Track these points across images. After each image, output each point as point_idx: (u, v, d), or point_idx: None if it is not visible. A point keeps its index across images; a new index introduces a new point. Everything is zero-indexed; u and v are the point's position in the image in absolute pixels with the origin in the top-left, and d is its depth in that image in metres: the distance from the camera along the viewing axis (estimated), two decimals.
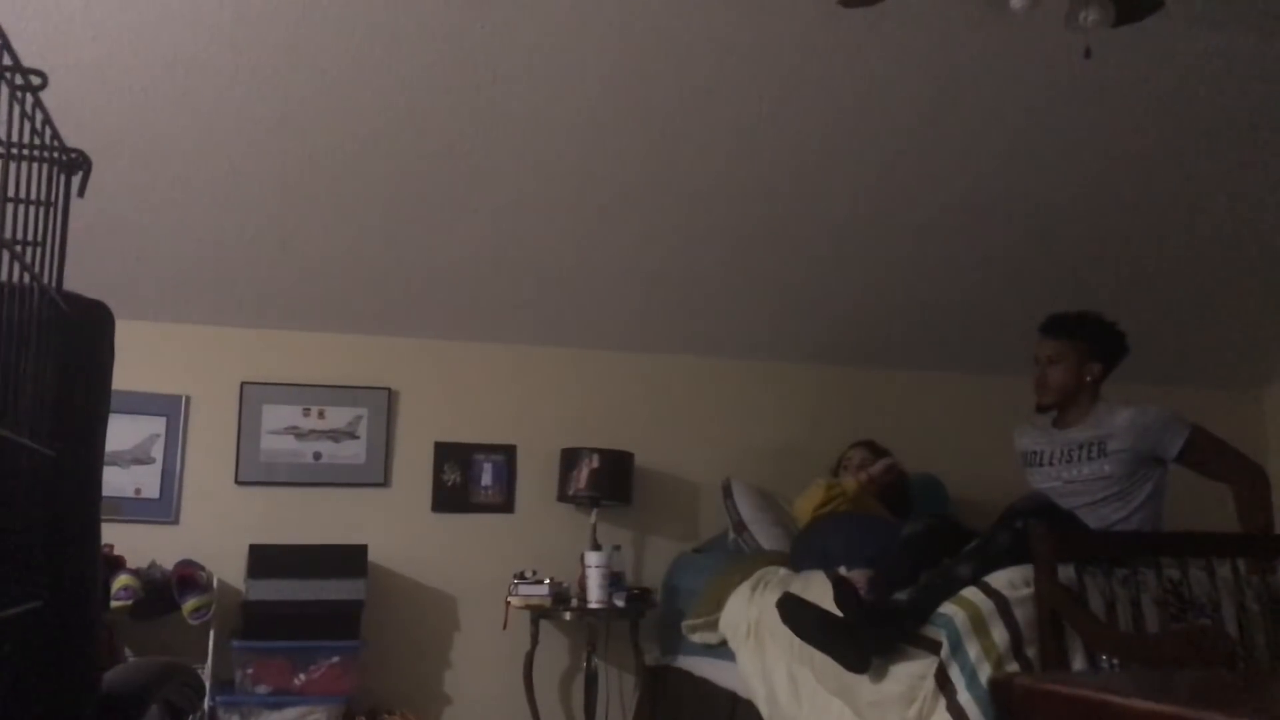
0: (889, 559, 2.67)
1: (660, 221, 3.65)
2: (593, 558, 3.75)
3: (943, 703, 2.20)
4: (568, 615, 3.78)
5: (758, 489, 4.01)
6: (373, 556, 3.78)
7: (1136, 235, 3.92)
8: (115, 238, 3.44)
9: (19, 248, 1.02)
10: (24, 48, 0.98)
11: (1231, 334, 4.60)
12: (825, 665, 2.50)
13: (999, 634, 2.20)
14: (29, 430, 1.04)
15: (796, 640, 2.59)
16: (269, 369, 3.98)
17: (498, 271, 3.84)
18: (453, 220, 3.55)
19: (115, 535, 3.38)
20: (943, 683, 2.22)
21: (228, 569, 3.63)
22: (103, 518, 1.24)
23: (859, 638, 2.36)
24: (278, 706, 3.46)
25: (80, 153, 1.15)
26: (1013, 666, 2.19)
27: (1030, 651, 2.19)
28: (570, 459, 4.00)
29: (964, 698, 2.16)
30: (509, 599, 3.80)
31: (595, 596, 3.70)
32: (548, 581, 3.77)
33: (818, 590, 2.66)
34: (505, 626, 3.89)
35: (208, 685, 3.38)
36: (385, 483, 4.03)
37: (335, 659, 3.53)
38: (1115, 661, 2.07)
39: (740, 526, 3.87)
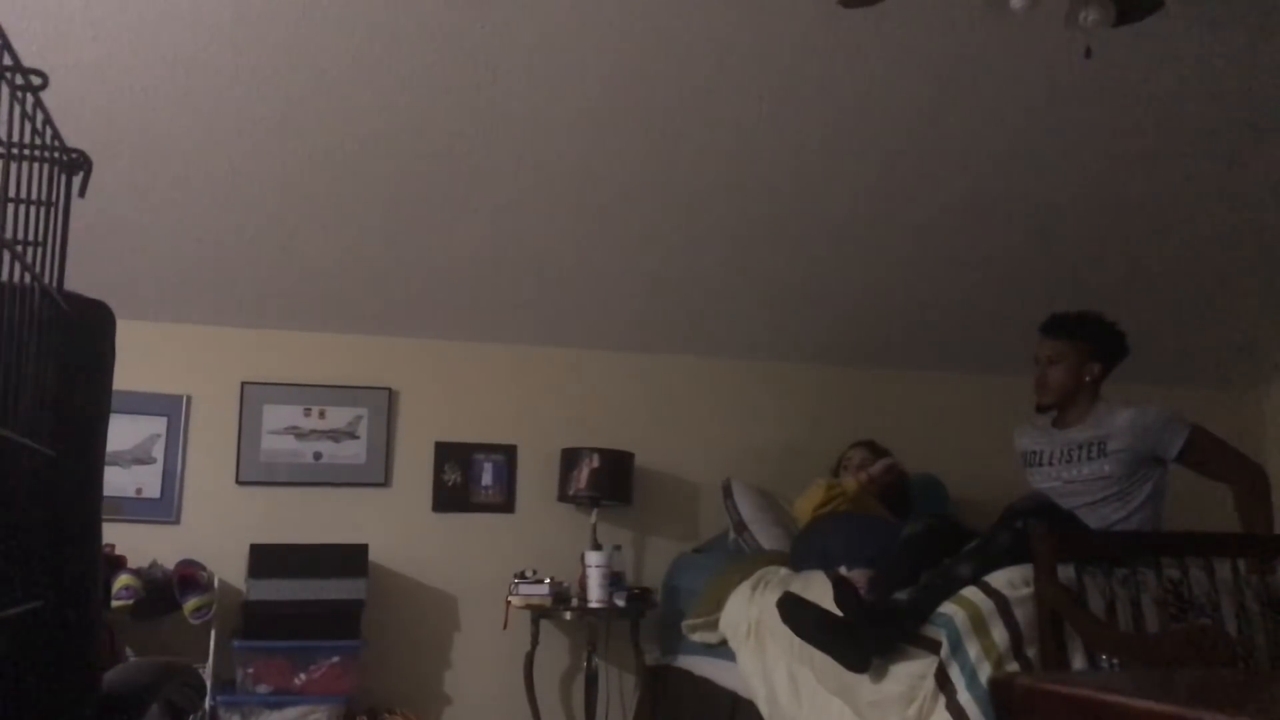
0: (889, 559, 2.67)
1: (660, 221, 3.65)
2: (593, 557, 3.75)
3: (943, 702, 2.20)
4: (568, 615, 3.78)
5: (758, 489, 4.01)
6: (373, 556, 3.79)
7: (1136, 235, 3.92)
8: (115, 238, 3.44)
9: (20, 248, 1.02)
10: (24, 48, 0.98)
11: (1231, 334, 4.60)
12: (825, 665, 2.50)
13: (999, 634, 2.20)
14: (30, 430, 1.04)
15: (796, 640, 2.60)
16: (269, 369, 3.98)
17: (498, 271, 3.84)
18: (453, 220, 3.55)
19: (116, 535, 3.39)
20: (943, 682, 2.22)
21: (228, 569, 3.64)
22: (103, 517, 1.24)
23: (859, 637, 2.36)
24: (278, 706, 3.46)
25: (81, 153, 1.15)
26: (1013, 666, 2.19)
27: (1030, 651, 2.19)
28: (570, 459, 4.00)
29: (964, 697, 2.16)
30: (509, 599, 3.80)
31: (595, 596, 3.70)
32: (548, 581, 3.77)
33: (818, 590, 2.66)
34: (505, 626, 3.89)
35: (209, 685, 3.38)
36: (386, 483, 4.03)
37: (336, 659, 3.54)
38: (1115, 661, 2.07)
39: (740, 526, 3.87)
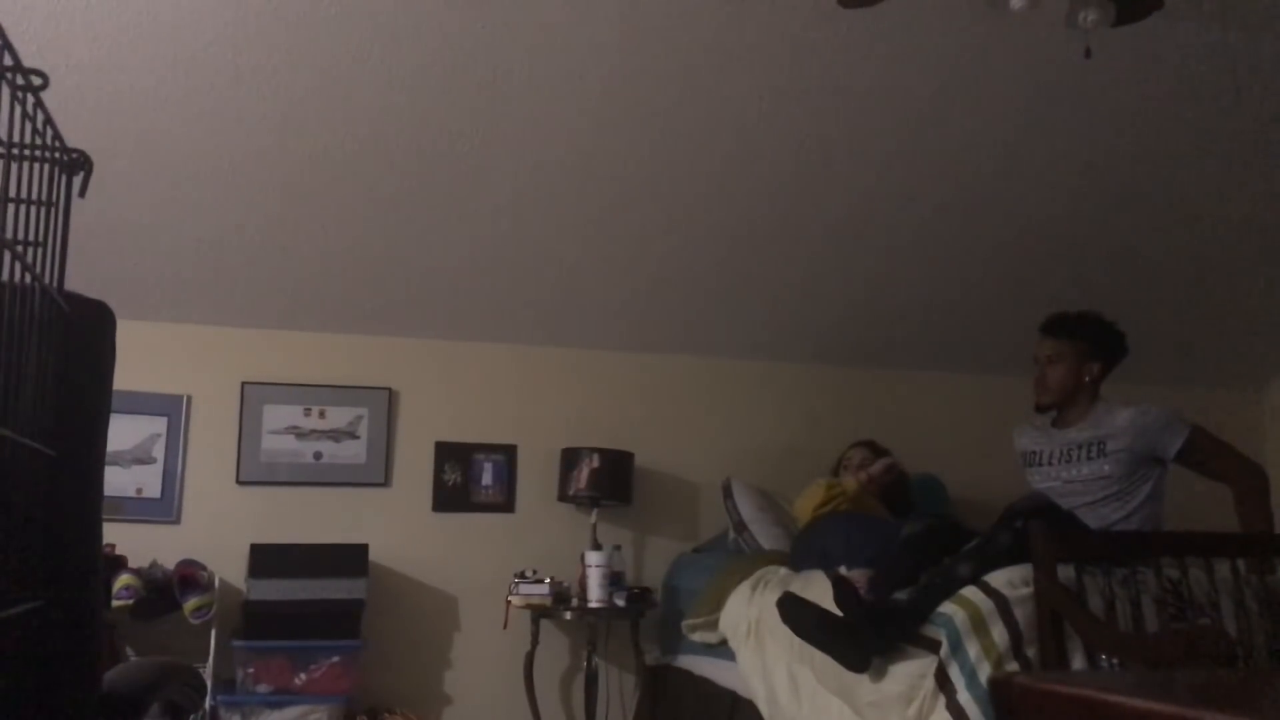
0: (889, 559, 2.67)
1: (660, 221, 3.65)
2: (593, 557, 3.75)
3: (942, 702, 2.20)
4: (568, 615, 3.78)
5: (758, 489, 4.01)
6: (373, 556, 3.79)
7: (1136, 235, 3.92)
8: (115, 238, 3.44)
9: (20, 248, 1.02)
10: (24, 48, 0.98)
11: (1231, 334, 4.60)
12: (825, 665, 2.50)
13: (999, 633, 2.20)
14: (30, 430, 1.04)
15: (796, 640, 2.60)
16: (269, 369, 3.98)
17: (497, 271, 3.84)
18: (453, 220, 3.56)
19: (116, 535, 3.39)
20: (942, 682, 2.22)
21: (229, 568, 3.64)
22: (104, 517, 1.24)
23: (859, 637, 2.36)
24: (278, 706, 3.46)
25: (81, 153, 1.15)
26: (1012, 666, 2.19)
27: (1030, 651, 2.20)
28: (570, 459, 4.00)
29: (964, 697, 2.16)
30: (509, 598, 3.80)
31: (595, 596, 3.70)
32: (548, 581, 3.77)
33: (818, 590, 2.66)
34: (505, 626, 3.89)
35: (209, 685, 3.38)
36: (386, 482, 4.03)
37: (336, 658, 3.54)
38: (1115, 661, 2.07)
39: (740, 526, 3.87)
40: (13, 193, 1.00)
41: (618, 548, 3.99)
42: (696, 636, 3.52)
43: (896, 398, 4.59)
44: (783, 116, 3.21)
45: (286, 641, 3.50)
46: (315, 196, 3.39)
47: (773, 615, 2.69)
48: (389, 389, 4.08)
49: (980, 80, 3.12)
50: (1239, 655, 2.18)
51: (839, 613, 2.42)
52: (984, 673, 2.15)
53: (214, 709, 3.43)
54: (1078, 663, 2.17)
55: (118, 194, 3.25)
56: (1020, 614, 2.21)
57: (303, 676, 3.50)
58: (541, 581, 3.77)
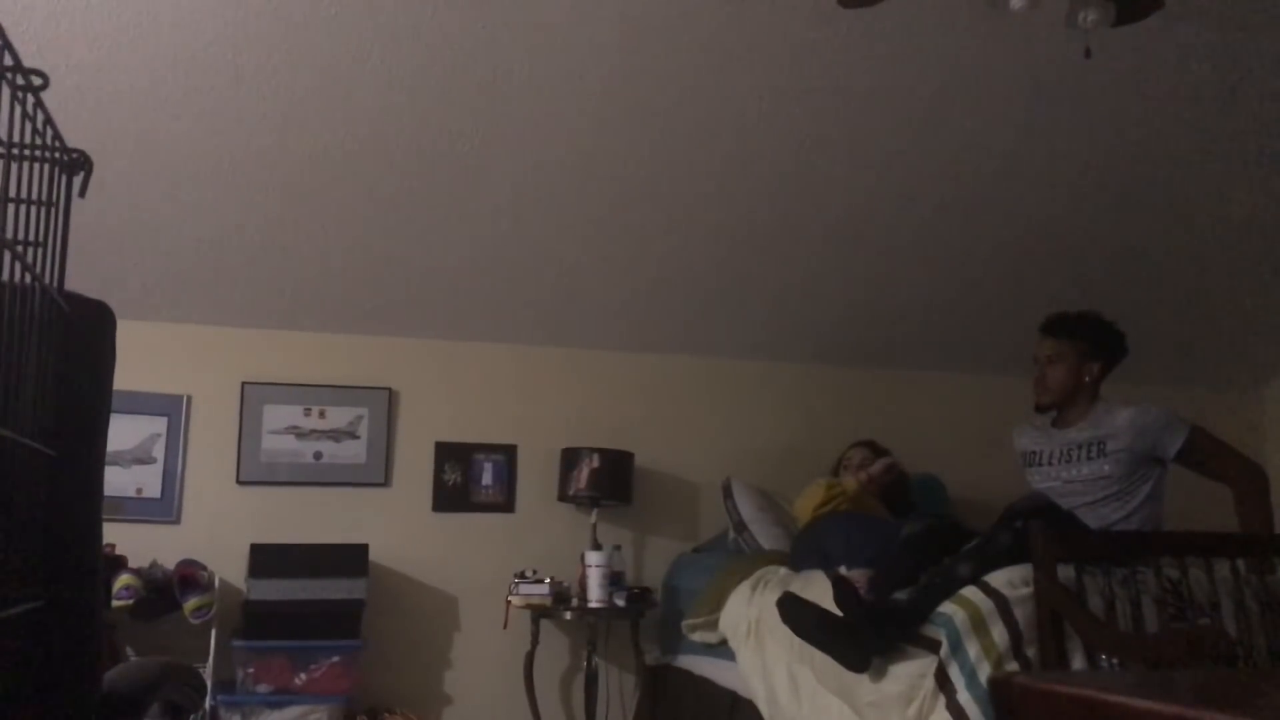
0: (889, 559, 2.67)
1: (660, 221, 3.65)
2: (593, 557, 3.75)
3: (942, 702, 2.20)
4: (568, 615, 3.78)
5: (758, 489, 4.01)
6: (373, 556, 3.79)
7: (1136, 235, 3.92)
8: (115, 238, 3.44)
9: (20, 248, 1.02)
10: (24, 48, 0.98)
11: (1231, 334, 4.60)
12: (825, 665, 2.50)
13: (999, 633, 2.20)
14: (30, 430, 1.04)
15: (796, 640, 2.60)
16: (269, 369, 3.98)
17: (497, 271, 3.84)
18: (453, 220, 3.56)
19: (116, 535, 3.38)
20: (942, 682, 2.22)
21: (229, 568, 3.64)
22: (104, 517, 1.24)
23: (859, 637, 2.36)
24: (278, 706, 3.46)
25: (81, 153, 1.15)
26: (1012, 666, 2.19)
27: (1030, 651, 2.20)
28: (570, 459, 4.00)
29: (963, 697, 2.16)
30: (509, 598, 3.80)
31: (595, 596, 3.70)
32: (548, 581, 3.77)
33: (818, 590, 2.66)
34: (505, 626, 3.89)
35: (209, 685, 3.38)
36: (386, 482, 4.03)
37: (336, 658, 3.54)
38: (1115, 661, 2.08)
39: (740, 526, 3.87)
40: (13, 193, 1.00)
41: (618, 548, 3.99)
42: (696, 636, 3.52)
43: (896, 398, 4.59)
44: (783, 116, 3.21)
45: (286, 641, 3.50)
46: (315, 196, 3.39)
47: (773, 615, 2.69)
48: (389, 389, 4.08)
49: (980, 80, 3.12)
50: (1239, 655, 2.18)
51: (839, 613, 2.42)
52: (984, 673, 2.15)
53: (214, 709, 3.43)
54: (1078, 663, 2.17)
55: (118, 194, 3.25)
56: (1020, 614, 2.21)
57: (303, 676, 3.50)
58: (541, 581, 3.77)
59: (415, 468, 4.06)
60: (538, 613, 3.81)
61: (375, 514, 3.98)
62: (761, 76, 3.04)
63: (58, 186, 1.12)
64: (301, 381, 3.99)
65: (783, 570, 3.30)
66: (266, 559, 3.59)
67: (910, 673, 2.31)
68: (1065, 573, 2.22)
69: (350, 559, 3.68)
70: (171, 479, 3.82)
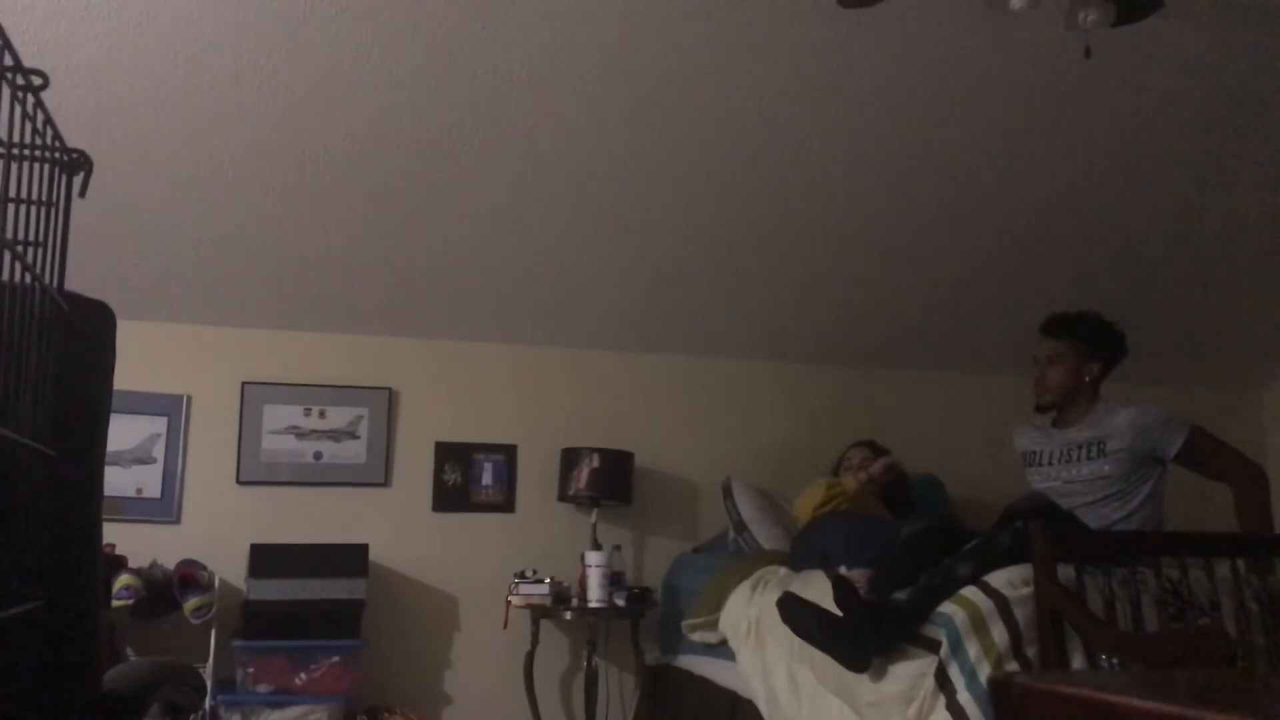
0: (889, 559, 2.67)
1: (660, 222, 3.65)
2: (593, 557, 3.75)
3: (942, 702, 2.20)
4: (568, 615, 3.78)
5: (758, 489, 4.01)
6: (373, 556, 3.78)
7: (1136, 235, 3.92)
8: (115, 238, 3.44)
9: (20, 248, 1.02)
10: (24, 48, 0.98)
11: (1231, 334, 4.60)
12: (825, 665, 2.50)
13: (999, 633, 2.20)
14: (31, 430, 1.04)
15: (796, 640, 2.60)
16: (269, 369, 3.98)
17: (498, 271, 3.84)
18: (453, 220, 3.56)
19: (117, 535, 3.39)
20: (942, 682, 2.22)
21: (229, 568, 3.64)
22: (104, 517, 1.24)
23: (859, 637, 2.36)
24: (279, 706, 3.46)
25: (81, 153, 1.15)
26: (1012, 666, 2.19)
27: (1030, 651, 2.20)
28: (570, 459, 4.00)
29: (963, 697, 2.16)
30: (509, 598, 3.80)
31: (595, 596, 3.70)
32: (548, 581, 3.77)
33: (818, 590, 2.66)
34: (506, 626, 3.89)
35: (209, 684, 3.38)
36: (386, 482, 4.03)
37: (336, 658, 3.54)
38: (1115, 661, 2.08)
39: (740, 526, 3.87)
40: (13, 193, 1.00)
41: (618, 548, 3.99)
42: (696, 636, 3.52)
43: (896, 398, 4.59)
44: (783, 116, 3.21)
45: (286, 641, 3.50)
46: (315, 196, 3.39)
47: (773, 615, 2.69)
48: (389, 389, 4.08)
49: (980, 80, 3.12)
50: (1239, 655, 2.18)
51: (839, 613, 2.42)
52: (984, 673, 2.15)
53: (214, 709, 3.43)
54: (1078, 663, 2.17)
55: (118, 194, 3.25)
56: (1020, 614, 2.21)
57: (303, 676, 3.50)
58: (541, 581, 3.77)
59: (415, 468, 4.06)
60: (538, 613, 3.81)
61: (375, 514, 3.98)
62: (761, 76, 3.04)
63: (58, 186, 1.12)
64: (301, 381, 3.99)
65: (783, 570, 3.30)
66: (266, 559, 3.58)
67: (910, 673, 2.31)
68: (1065, 573, 2.22)
69: (350, 559, 3.68)
70: (171, 479, 3.82)
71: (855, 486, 3.50)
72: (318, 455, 3.97)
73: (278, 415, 3.95)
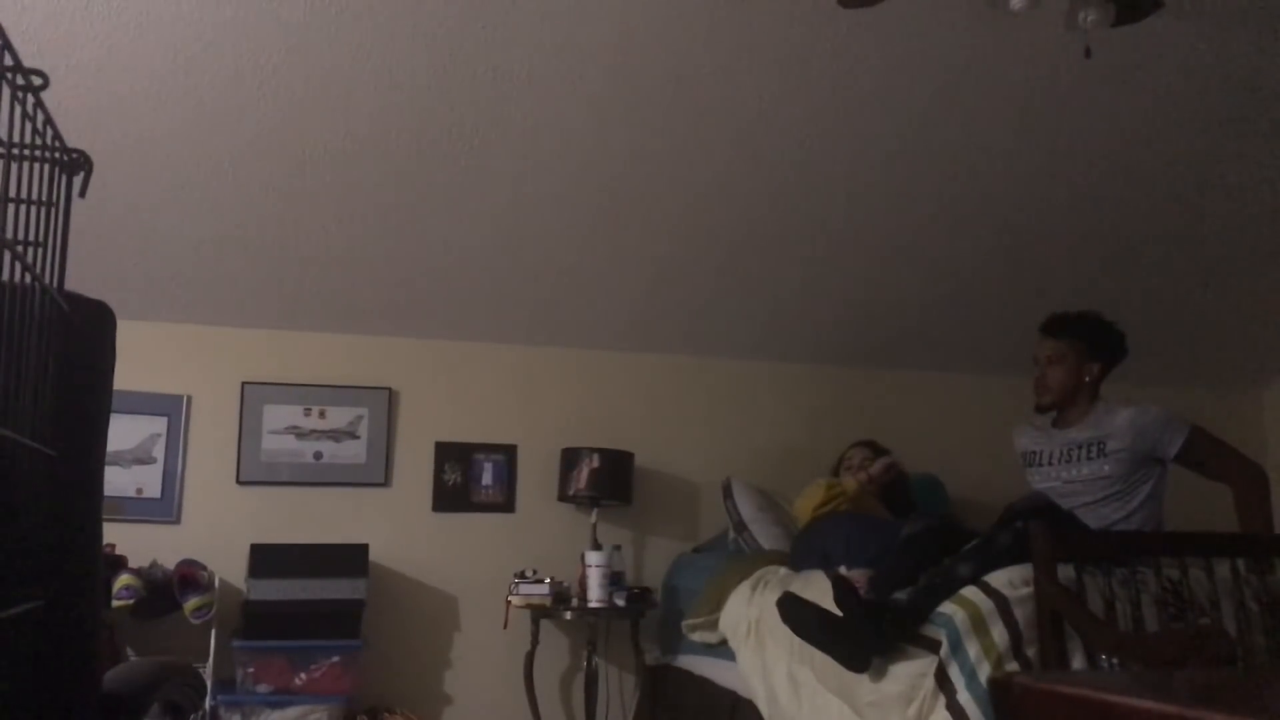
0: (889, 559, 2.67)
1: (660, 222, 3.65)
2: (593, 557, 3.75)
3: (942, 702, 2.20)
4: (568, 615, 3.78)
5: (758, 489, 4.01)
6: (373, 556, 3.79)
7: (1136, 235, 3.92)
8: (115, 238, 3.44)
9: (20, 248, 1.02)
10: (24, 48, 0.98)
11: (1231, 334, 4.60)
12: (825, 665, 2.50)
13: (999, 633, 2.20)
14: (30, 430, 1.04)
15: (796, 640, 2.60)
16: (269, 369, 3.98)
17: (498, 271, 3.84)
18: (453, 220, 3.56)
19: (117, 535, 3.39)
20: (942, 682, 2.22)
21: (229, 568, 3.64)
22: (104, 517, 1.24)
23: (859, 637, 2.36)
24: (279, 706, 3.46)
25: (81, 153, 1.15)
26: (1012, 666, 2.19)
27: (1030, 651, 2.20)
28: (570, 459, 4.00)
29: (963, 697, 2.16)
30: (509, 598, 3.80)
31: (595, 596, 3.70)
32: (548, 581, 3.77)
33: (818, 590, 2.66)
34: (506, 626, 3.89)
35: (209, 684, 3.38)
36: (386, 482, 4.03)
37: (336, 658, 3.54)
38: (1115, 661, 2.08)
39: (740, 526, 3.87)
40: (13, 193, 1.00)
41: (618, 548, 3.99)
42: (696, 636, 3.52)
43: (897, 398, 4.60)
44: (783, 116, 3.21)
45: (286, 641, 3.50)
46: (315, 196, 3.39)
47: (773, 615, 2.69)
48: (389, 389, 4.08)
49: (979, 80, 3.12)
50: (1239, 655, 2.18)
51: (839, 613, 2.42)
52: (984, 673, 2.15)
53: (214, 709, 3.44)
54: (1078, 663, 2.17)
55: (118, 194, 3.25)
56: (1020, 614, 2.21)
57: (303, 676, 3.50)
58: (541, 581, 3.77)
59: (415, 468, 4.06)
60: (538, 613, 3.81)
61: (375, 514, 3.98)
62: (761, 77, 3.04)
63: (58, 186, 1.12)
64: (301, 381, 4.00)
65: (783, 570, 3.30)
66: (266, 559, 3.59)
67: (910, 673, 2.31)
68: (1065, 573, 2.22)
69: (350, 559, 3.68)
70: (171, 479, 3.82)
71: (855, 486, 3.51)
72: (318, 455, 3.97)
73: (278, 415, 3.95)
